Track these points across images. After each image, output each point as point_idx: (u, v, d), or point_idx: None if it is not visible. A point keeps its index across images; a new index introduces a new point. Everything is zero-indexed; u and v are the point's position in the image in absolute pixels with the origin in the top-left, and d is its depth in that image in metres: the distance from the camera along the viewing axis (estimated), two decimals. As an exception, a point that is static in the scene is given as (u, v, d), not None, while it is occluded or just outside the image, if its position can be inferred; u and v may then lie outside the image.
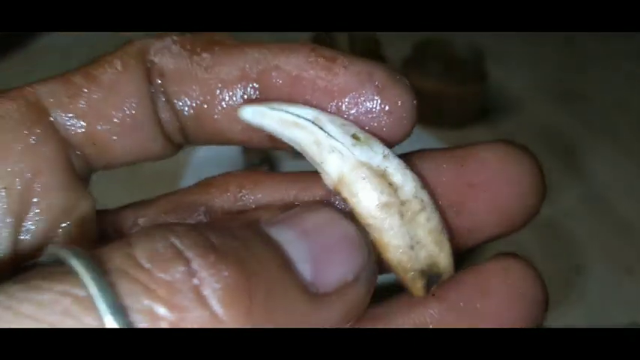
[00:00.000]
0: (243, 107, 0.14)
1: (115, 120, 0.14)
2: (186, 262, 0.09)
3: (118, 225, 0.15)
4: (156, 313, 0.09)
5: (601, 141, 0.70)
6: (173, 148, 0.15)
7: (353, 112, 0.13)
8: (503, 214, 0.14)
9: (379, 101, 0.13)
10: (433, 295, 0.13)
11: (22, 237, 0.13)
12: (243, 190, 0.15)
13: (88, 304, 0.09)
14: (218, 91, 0.14)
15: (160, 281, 0.09)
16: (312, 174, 0.14)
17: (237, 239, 0.10)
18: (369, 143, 0.13)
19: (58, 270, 0.09)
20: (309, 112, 0.13)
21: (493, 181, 0.13)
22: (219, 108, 0.14)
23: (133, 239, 0.10)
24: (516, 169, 0.13)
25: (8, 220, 0.12)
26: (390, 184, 0.13)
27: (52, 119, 0.13)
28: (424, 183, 0.13)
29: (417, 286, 0.13)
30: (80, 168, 0.14)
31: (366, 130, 0.13)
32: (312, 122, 0.13)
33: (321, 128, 0.13)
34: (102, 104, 0.14)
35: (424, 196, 0.13)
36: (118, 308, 0.09)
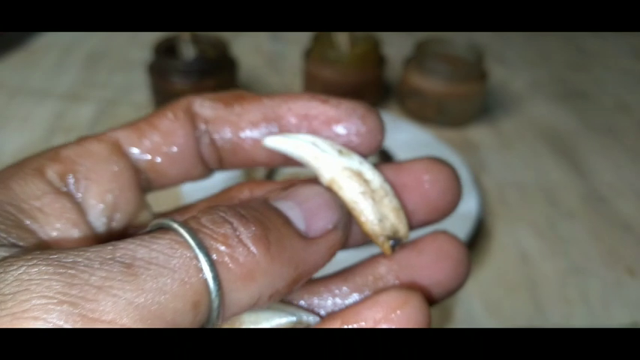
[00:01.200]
0: (266, 138, 0.21)
1: (168, 154, 0.20)
2: (230, 224, 0.16)
3: None
4: (219, 249, 0.15)
5: (602, 140, 0.70)
6: (209, 171, 0.22)
7: (343, 133, 0.20)
8: (429, 207, 0.21)
9: (364, 125, 0.20)
10: (394, 251, 0.20)
11: (109, 231, 0.20)
12: (254, 192, 0.22)
13: (185, 244, 0.15)
14: (248, 131, 0.21)
15: (219, 233, 0.16)
16: (301, 180, 0.21)
17: (257, 210, 0.17)
18: (349, 155, 0.20)
19: (162, 230, 0.16)
20: (309, 138, 0.20)
21: (420, 183, 0.20)
22: (249, 142, 0.21)
23: (198, 215, 0.16)
24: (437, 174, 0.20)
25: (103, 220, 0.19)
26: (365, 180, 0.19)
27: (127, 154, 0.20)
28: (386, 178, 0.20)
29: (386, 247, 0.20)
30: (145, 187, 0.21)
31: (347, 146, 0.20)
32: (312, 144, 0.20)
33: (317, 147, 0.20)
34: (159, 144, 0.20)
35: (386, 186, 0.20)
36: (202, 246, 0.15)
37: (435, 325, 0.46)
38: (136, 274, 0.14)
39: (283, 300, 0.19)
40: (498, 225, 0.56)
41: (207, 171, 0.22)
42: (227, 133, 0.21)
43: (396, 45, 0.86)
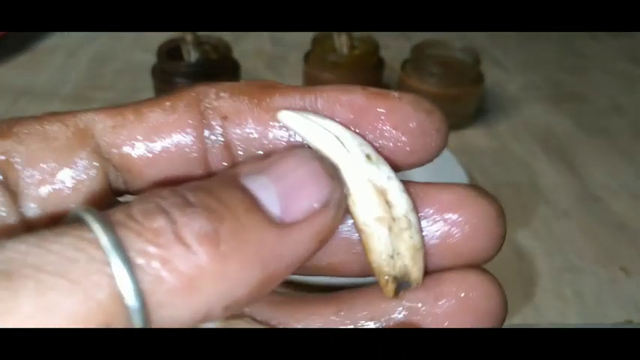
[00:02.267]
0: (281, 111, 0.16)
1: (150, 154, 0.16)
2: (167, 214, 0.12)
3: None
4: (146, 251, 0.12)
5: (597, 142, 0.71)
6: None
7: (410, 132, 0.16)
8: (456, 253, 0.16)
9: (430, 123, 0.16)
10: (398, 295, 0.16)
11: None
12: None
13: (96, 243, 0.11)
14: (281, 132, 0.16)
15: (148, 228, 0.12)
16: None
17: (211, 195, 0.13)
18: (378, 164, 0.15)
19: (76, 223, 0.12)
20: (335, 127, 0.15)
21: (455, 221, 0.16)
22: (280, 146, 0.16)
23: (131, 203, 0.13)
24: (475, 214, 0.16)
25: (45, 223, 0.15)
26: (387, 202, 0.15)
27: (97, 145, 0.16)
28: (415, 207, 0.16)
29: (388, 288, 0.15)
30: (118, 187, 0.17)
31: (401, 150, 0.16)
32: (336, 137, 0.15)
33: (342, 144, 0.15)
34: (140, 138, 0.16)
35: (413, 217, 0.15)
36: (118, 246, 0.11)
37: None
38: (16, 288, 0.10)
39: (252, 317, 0.15)
40: None
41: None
42: (252, 134, 0.16)
43: (394, 48, 0.86)
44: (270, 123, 0.16)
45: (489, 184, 0.62)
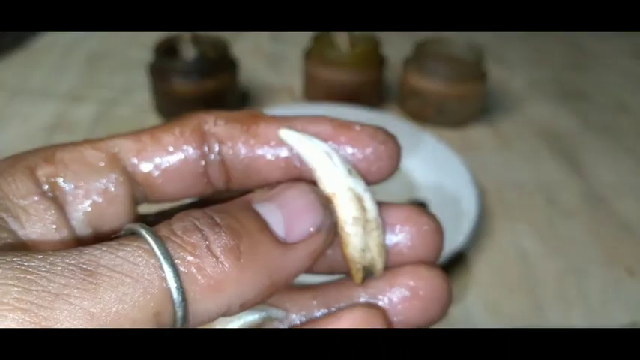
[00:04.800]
0: (284, 129, 0.20)
1: (168, 171, 0.20)
2: (201, 232, 0.16)
3: None
4: (187, 259, 0.15)
5: (601, 140, 0.71)
6: (210, 190, 0.21)
7: (362, 156, 0.20)
8: (410, 254, 0.20)
9: (384, 150, 0.20)
10: (363, 281, 0.20)
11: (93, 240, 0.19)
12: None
13: (151, 252, 0.15)
14: (264, 152, 0.20)
15: (188, 242, 0.15)
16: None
17: (233, 217, 0.17)
18: (357, 178, 0.20)
19: (133, 236, 0.16)
20: (325, 147, 0.19)
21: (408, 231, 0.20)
22: (263, 163, 0.20)
23: (171, 221, 0.16)
24: (421, 227, 0.20)
25: (88, 231, 0.19)
26: (363, 207, 0.19)
27: (124, 166, 0.20)
28: (381, 214, 0.20)
29: (358, 275, 0.20)
30: (139, 200, 0.20)
31: (362, 170, 0.20)
32: (326, 154, 0.19)
33: (330, 159, 0.19)
34: (160, 159, 0.20)
35: (380, 221, 0.20)
36: (167, 255, 0.15)
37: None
38: (97, 281, 0.14)
39: None
40: (498, 224, 0.56)
41: (209, 189, 0.21)
42: (241, 154, 0.20)
43: (396, 46, 0.86)
44: (255, 145, 0.20)
45: (492, 183, 0.62)
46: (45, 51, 0.84)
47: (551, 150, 0.68)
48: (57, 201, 0.18)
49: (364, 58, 0.69)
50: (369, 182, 0.20)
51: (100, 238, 0.19)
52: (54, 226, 0.18)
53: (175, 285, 0.15)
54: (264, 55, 0.86)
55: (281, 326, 0.20)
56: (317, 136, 0.20)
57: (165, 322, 0.15)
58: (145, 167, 0.20)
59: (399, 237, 0.20)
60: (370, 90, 0.71)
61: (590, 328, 0.47)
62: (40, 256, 0.14)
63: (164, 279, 0.15)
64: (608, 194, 0.61)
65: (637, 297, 0.49)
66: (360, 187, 0.19)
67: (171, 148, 0.20)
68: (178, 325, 0.15)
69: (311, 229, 0.18)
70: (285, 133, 0.20)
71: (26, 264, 0.14)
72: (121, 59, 0.83)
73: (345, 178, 0.19)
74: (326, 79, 0.70)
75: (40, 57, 0.82)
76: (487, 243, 0.54)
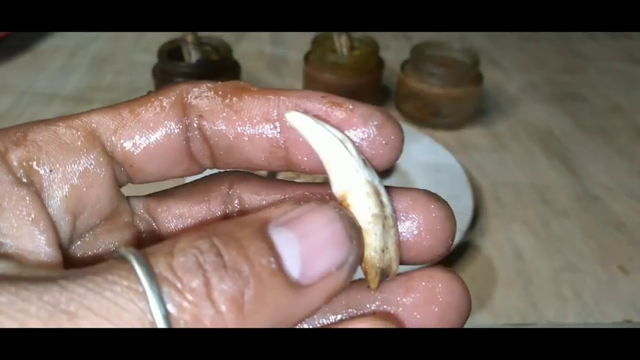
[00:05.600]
0: (291, 112, 0.17)
1: (149, 149, 0.18)
2: (204, 273, 0.14)
3: (149, 210, 0.21)
4: (182, 305, 0.13)
5: (595, 141, 0.71)
6: (198, 168, 0.19)
7: (355, 141, 0.17)
8: (422, 247, 0.18)
9: (378, 135, 0.17)
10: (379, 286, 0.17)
11: (75, 234, 0.18)
12: (234, 187, 0.20)
13: (143, 296, 0.13)
14: (246, 129, 0.18)
15: (187, 286, 0.13)
16: (289, 182, 0.20)
17: (242, 252, 0.14)
18: (371, 169, 0.17)
19: (124, 269, 0.14)
20: (339, 134, 0.17)
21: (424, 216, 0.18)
22: (247, 141, 0.18)
23: (173, 252, 0.14)
24: (430, 212, 0.18)
25: (67, 218, 0.17)
26: (381, 202, 0.17)
27: (102, 144, 0.18)
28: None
29: (375, 280, 0.17)
30: (122, 181, 0.19)
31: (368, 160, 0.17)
32: (341, 142, 0.17)
33: (346, 148, 0.17)
34: (139, 136, 0.18)
35: (395, 216, 0.17)
36: (161, 301, 0.13)
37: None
38: (77, 327, 0.12)
39: None
40: (493, 224, 0.57)
41: (196, 168, 0.19)
42: (223, 130, 0.18)
43: (394, 48, 0.87)
44: (237, 122, 0.18)
45: (488, 183, 0.63)
46: (51, 53, 0.84)
47: (546, 151, 0.69)
48: (32, 186, 0.16)
49: (363, 62, 0.70)
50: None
51: (82, 231, 0.18)
52: (31, 217, 0.16)
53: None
54: (266, 57, 0.87)
55: None
56: (308, 113, 0.17)
57: None
58: (126, 145, 0.18)
59: (405, 225, 0.17)
60: (368, 92, 0.72)
61: (585, 326, 0.48)
62: (12, 289, 0.13)
63: (154, 325, 0.13)
64: (601, 194, 0.62)
65: (631, 295, 0.50)
66: (376, 179, 0.17)
67: (152, 124, 0.18)
68: None
69: (332, 269, 0.15)
70: (294, 116, 0.17)
71: (2, 291, 0.12)
72: (125, 62, 0.83)
73: (362, 170, 0.16)
74: (325, 82, 0.70)
75: (45, 59, 0.83)
76: (483, 242, 0.55)
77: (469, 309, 0.17)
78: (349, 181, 0.17)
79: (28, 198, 0.16)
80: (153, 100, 0.18)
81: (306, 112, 0.17)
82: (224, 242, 0.14)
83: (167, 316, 0.13)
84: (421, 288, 0.17)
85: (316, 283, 0.15)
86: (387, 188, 0.18)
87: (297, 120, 0.17)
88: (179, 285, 0.13)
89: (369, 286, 0.17)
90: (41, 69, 0.80)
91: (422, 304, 0.17)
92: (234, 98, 0.18)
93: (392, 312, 0.17)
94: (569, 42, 0.97)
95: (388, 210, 0.17)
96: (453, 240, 0.18)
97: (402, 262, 0.18)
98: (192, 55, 0.66)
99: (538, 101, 0.79)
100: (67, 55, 0.84)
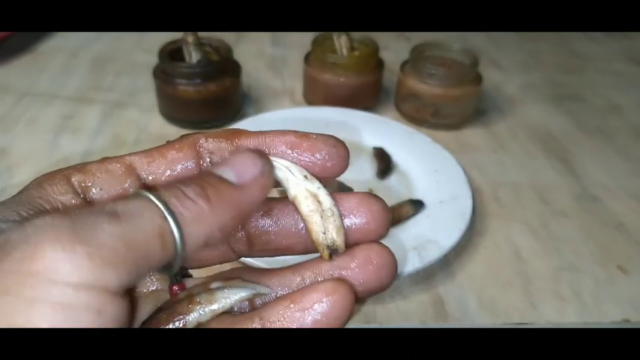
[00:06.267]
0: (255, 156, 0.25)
1: (171, 177, 0.25)
2: (180, 189, 0.21)
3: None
4: (176, 204, 0.20)
5: (594, 141, 0.71)
6: None
7: (319, 158, 0.25)
8: (362, 231, 0.25)
9: (335, 151, 0.25)
10: (331, 258, 0.25)
11: None
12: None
13: (154, 204, 0.20)
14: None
15: (173, 194, 0.21)
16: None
17: (200, 178, 0.22)
18: (313, 180, 0.25)
19: (139, 196, 0.20)
20: (286, 163, 0.25)
21: (356, 212, 0.25)
22: None
23: (159, 188, 0.21)
24: (369, 207, 0.25)
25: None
26: (318, 201, 0.24)
27: (137, 174, 0.25)
28: (336, 203, 0.25)
29: (324, 253, 0.24)
30: None
31: (322, 168, 0.25)
32: (286, 168, 0.25)
33: (289, 171, 0.25)
34: (164, 168, 0.25)
35: (335, 209, 0.25)
36: (166, 205, 0.20)
37: (430, 321, 0.47)
38: (119, 218, 0.19)
39: (243, 279, 0.25)
40: (493, 223, 0.57)
41: None
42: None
43: (394, 49, 0.87)
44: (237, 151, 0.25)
45: (488, 183, 0.63)
46: (51, 54, 0.85)
47: (545, 151, 0.69)
48: (86, 200, 0.24)
49: (363, 62, 0.70)
50: (328, 176, 0.25)
51: None
52: None
53: (171, 218, 0.20)
54: (266, 58, 0.87)
55: (267, 300, 0.25)
56: (284, 144, 0.25)
57: (169, 241, 0.20)
58: (155, 175, 0.25)
59: (357, 218, 0.25)
60: (369, 93, 0.72)
61: (584, 326, 0.48)
62: (76, 210, 0.19)
63: (163, 215, 0.20)
64: (600, 194, 0.62)
65: (629, 295, 0.50)
66: (313, 186, 0.25)
67: (174, 160, 0.25)
68: (179, 248, 0.20)
69: (256, 173, 0.23)
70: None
71: (65, 213, 0.19)
72: (126, 62, 0.84)
73: (302, 182, 0.24)
74: (325, 82, 0.71)
75: (46, 60, 0.83)
76: (482, 241, 0.55)
77: (395, 269, 0.24)
78: (294, 190, 0.24)
79: (84, 205, 0.23)
80: (174, 144, 0.25)
81: (285, 143, 0.25)
82: (187, 179, 0.22)
83: (169, 209, 0.20)
84: (361, 255, 0.24)
85: (251, 183, 0.22)
86: (338, 194, 0.25)
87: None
88: (169, 195, 0.20)
89: (323, 258, 0.24)
90: (42, 70, 0.80)
91: (362, 266, 0.24)
92: (234, 139, 0.25)
93: (345, 275, 0.24)
94: (568, 42, 0.97)
95: (326, 205, 0.24)
96: (388, 226, 0.25)
97: (357, 242, 0.25)
98: (193, 56, 0.66)
99: (537, 101, 0.79)
100: (67, 56, 0.84)
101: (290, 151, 0.25)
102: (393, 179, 0.61)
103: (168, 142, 0.26)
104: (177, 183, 0.22)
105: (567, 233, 0.57)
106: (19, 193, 0.23)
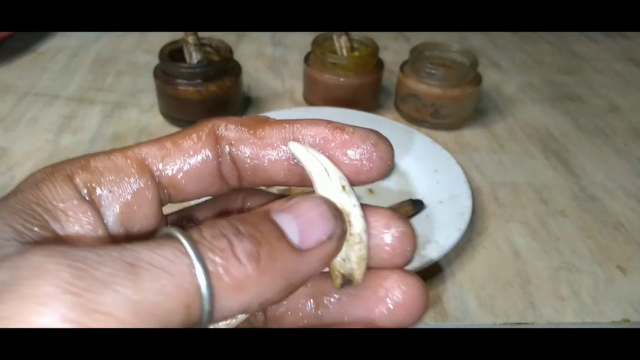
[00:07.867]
0: (293, 143, 0.21)
1: (189, 173, 0.22)
2: (227, 238, 0.17)
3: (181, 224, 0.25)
4: (214, 260, 0.17)
5: (593, 141, 0.72)
6: (227, 188, 0.23)
7: (356, 157, 0.21)
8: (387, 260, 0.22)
9: (375, 151, 0.21)
10: (341, 287, 0.22)
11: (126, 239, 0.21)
12: (246, 200, 0.25)
13: (185, 253, 0.17)
14: (268, 152, 0.22)
15: (216, 246, 0.17)
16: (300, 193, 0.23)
17: (254, 226, 0.18)
18: (349, 194, 0.21)
19: (170, 238, 0.17)
20: (324, 160, 0.21)
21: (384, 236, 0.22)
22: (269, 162, 0.22)
23: (201, 228, 0.18)
24: (398, 229, 0.22)
25: (120, 231, 0.21)
26: (349, 222, 0.21)
27: (150, 170, 0.21)
28: (369, 229, 0.21)
29: (337, 281, 0.21)
30: (164, 201, 0.22)
31: (358, 170, 0.21)
32: (325, 169, 0.21)
33: (327, 175, 0.21)
34: (181, 163, 0.22)
35: (364, 236, 0.21)
36: (199, 257, 0.17)
37: (430, 321, 0.47)
38: (138, 273, 0.15)
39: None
40: (492, 223, 0.57)
41: (225, 187, 0.23)
42: (249, 154, 0.22)
43: (393, 49, 0.87)
44: (260, 147, 0.22)
45: (487, 183, 0.63)
46: (53, 54, 0.85)
47: (544, 151, 0.69)
48: (93, 204, 0.20)
49: (363, 63, 0.70)
50: (362, 181, 0.21)
51: (131, 237, 0.21)
52: (90, 227, 0.20)
53: (205, 282, 0.16)
54: (266, 58, 0.87)
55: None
56: (313, 137, 0.21)
57: (194, 315, 0.16)
58: (170, 171, 0.22)
59: (382, 237, 0.22)
60: (368, 93, 0.72)
61: (583, 326, 0.48)
62: (87, 249, 0.16)
63: (195, 276, 0.16)
64: (600, 194, 0.62)
65: (629, 294, 0.50)
66: (349, 203, 0.21)
67: (191, 152, 0.22)
68: (205, 319, 0.17)
69: (323, 238, 0.19)
70: (293, 146, 0.21)
71: (76, 254, 0.15)
72: (127, 62, 0.84)
73: (337, 193, 0.21)
74: (325, 83, 0.71)
75: (47, 60, 0.83)
76: (481, 241, 0.55)
77: (426, 299, 0.22)
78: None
79: (89, 212, 0.20)
80: (190, 132, 0.22)
81: (315, 136, 0.21)
82: (240, 222, 0.18)
83: (205, 267, 0.16)
84: (374, 285, 0.22)
85: (313, 249, 0.19)
86: (370, 208, 0.22)
87: (294, 147, 0.21)
88: (209, 245, 0.17)
89: (333, 284, 0.22)
90: (43, 70, 0.81)
91: (373, 302, 0.22)
92: (258, 128, 0.22)
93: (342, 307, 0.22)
94: (567, 42, 0.97)
95: (356, 229, 0.21)
96: (414, 252, 0.22)
97: (380, 266, 0.22)
98: (194, 56, 0.66)
99: (536, 102, 0.80)
100: (68, 56, 0.85)
101: (321, 147, 0.22)
102: (392, 179, 0.61)
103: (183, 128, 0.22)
104: (228, 225, 0.18)
105: (567, 233, 0.57)
106: (14, 194, 0.20)
